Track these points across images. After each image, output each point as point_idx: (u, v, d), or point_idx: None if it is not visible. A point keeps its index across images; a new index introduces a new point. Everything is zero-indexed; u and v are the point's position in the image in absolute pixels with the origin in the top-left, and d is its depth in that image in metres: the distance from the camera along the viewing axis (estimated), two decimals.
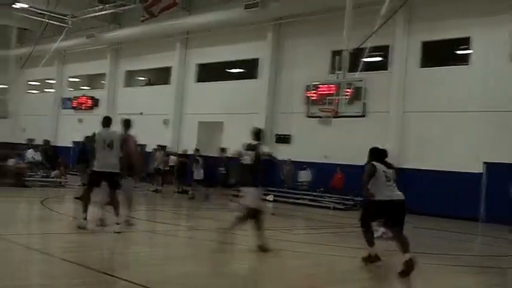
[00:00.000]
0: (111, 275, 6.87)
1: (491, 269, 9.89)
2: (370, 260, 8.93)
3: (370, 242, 9.02)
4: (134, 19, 28.21)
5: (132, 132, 11.29)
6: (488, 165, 18.61)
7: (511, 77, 18.46)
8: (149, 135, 27.15)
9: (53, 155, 22.69)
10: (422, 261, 9.64)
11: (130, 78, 33.10)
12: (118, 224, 10.18)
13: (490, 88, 18.83)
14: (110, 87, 33.11)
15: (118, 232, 10.00)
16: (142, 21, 25.79)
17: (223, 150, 19.73)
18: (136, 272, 7.28)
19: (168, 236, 11.14)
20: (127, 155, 10.80)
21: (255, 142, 9.56)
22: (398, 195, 8.83)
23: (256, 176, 9.38)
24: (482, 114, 18.87)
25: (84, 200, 10.57)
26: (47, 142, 23.83)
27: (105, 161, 10.24)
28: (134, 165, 11.13)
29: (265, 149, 9.52)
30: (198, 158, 20.81)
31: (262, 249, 9.24)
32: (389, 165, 10.96)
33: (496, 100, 18.58)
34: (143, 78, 33.09)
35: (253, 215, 9.28)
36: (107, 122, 10.68)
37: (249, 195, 9.31)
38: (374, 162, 9.01)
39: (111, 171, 10.29)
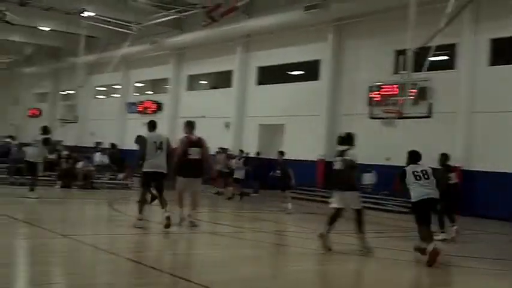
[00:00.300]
0: (174, 275, 6.95)
1: None
2: (421, 251, 9.05)
3: (424, 238, 9.14)
4: (196, 24, 28.59)
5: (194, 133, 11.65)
6: None
7: None
8: (211, 138, 27.34)
9: (119, 158, 23.28)
10: (496, 267, 9.28)
11: (193, 82, 33.61)
12: (168, 218, 10.39)
13: None
14: (173, 92, 33.75)
15: (168, 227, 10.27)
16: (204, 26, 26.09)
17: (281, 153, 19.85)
18: (199, 273, 7.33)
19: (230, 238, 11.19)
20: (203, 157, 11.41)
21: (344, 147, 10.08)
22: (427, 193, 9.46)
23: (343, 180, 9.79)
24: None
25: (141, 201, 10.97)
26: (113, 145, 24.49)
27: (155, 163, 10.72)
28: (206, 167, 11.74)
29: (350, 154, 9.96)
30: (241, 158, 21.59)
31: (368, 250, 9.52)
32: (452, 169, 11.01)
33: None
34: (205, 82, 33.53)
35: (335, 215, 9.69)
36: (153, 125, 11.28)
37: (335, 198, 9.78)
38: (406, 167, 9.81)
39: (160, 172, 10.78)
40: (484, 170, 19.38)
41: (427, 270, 8.91)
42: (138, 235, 10.43)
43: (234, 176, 21.16)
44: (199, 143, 11.41)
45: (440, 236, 11.98)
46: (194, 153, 11.25)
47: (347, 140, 10.33)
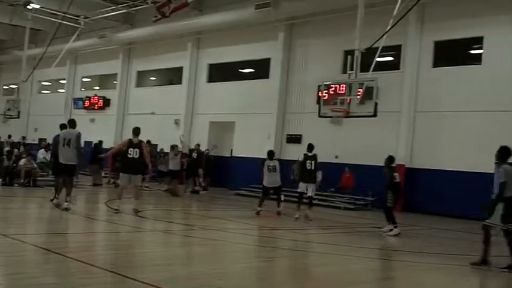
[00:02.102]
0: (120, 274, 6.86)
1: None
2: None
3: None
4: (146, 19, 28.23)
5: (143, 133, 13.57)
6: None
7: None
8: (161, 135, 27.25)
9: None
10: (437, 261, 9.57)
11: (142, 78, 33.19)
12: (67, 202, 12.76)
13: (502, 88, 18.63)
14: (121, 87, 33.23)
15: (67, 209, 12.54)
16: (155, 21, 25.76)
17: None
18: (145, 272, 7.26)
19: (178, 236, 11.15)
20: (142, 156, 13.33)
21: (312, 153, 14.83)
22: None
23: (311, 175, 15.28)
24: (494, 114, 18.67)
25: (56, 186, 13.67)
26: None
27: (64, 156, 12.87)
28: (146, 166, 13.76)
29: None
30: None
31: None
32: (396, 169, 12.94)
33: (509, 100, 18.38)
34: (155, 79, 33.18)
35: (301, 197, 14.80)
36: (69, 123, 13.57)
37: (301, 186, 15.02)
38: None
39: (67, 164, 12.95)
40: (425, 167, 20.03)
41: (370, 265, 9.13)
42: (82, 234, 10.26)
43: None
44: (138, 145, 13.25)
45: (394, 231, 12.92)
46: (133, 153, 13.11)
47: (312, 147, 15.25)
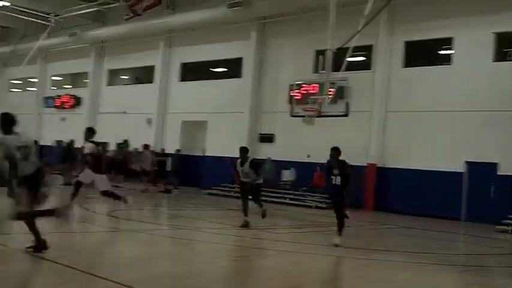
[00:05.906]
0: (93, 274, 6.80)
1: (474, 267, 9.94)
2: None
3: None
4: (118, 17, 28.04)
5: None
6: (470, 165, 18.77)
7: (493, 77, 18.62)
8: (133, 134, 27.06)
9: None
10: (406, 259, 9.71)
11: (114, 76, 32.90)
12: None
13: (472, 88, 18.96)
14: (92, 86, 32.88)
15: None
16: (126, 19, 25.62)
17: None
18: (117, 271, 7.22)
19: (151, 235, 11.09)
20: None
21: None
22: None
23: None
24: (464, 113, 18.99)
25: None
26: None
27: None
28: None
29: None
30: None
31: None
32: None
33: (478, 100, 18.72)
34: (126, 77, 32.92)
35: None
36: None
37: None
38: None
39: None
40: (397, 167, 20.25)
41: (341, 263, 9.19)
42: (52, 234, 10.12)
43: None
44: None
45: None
46: None
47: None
